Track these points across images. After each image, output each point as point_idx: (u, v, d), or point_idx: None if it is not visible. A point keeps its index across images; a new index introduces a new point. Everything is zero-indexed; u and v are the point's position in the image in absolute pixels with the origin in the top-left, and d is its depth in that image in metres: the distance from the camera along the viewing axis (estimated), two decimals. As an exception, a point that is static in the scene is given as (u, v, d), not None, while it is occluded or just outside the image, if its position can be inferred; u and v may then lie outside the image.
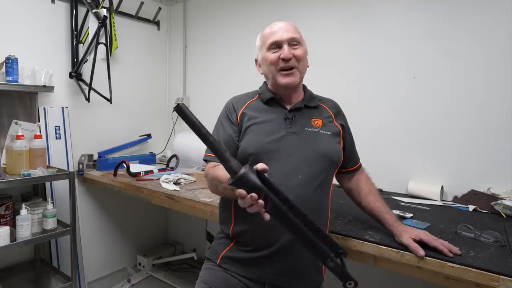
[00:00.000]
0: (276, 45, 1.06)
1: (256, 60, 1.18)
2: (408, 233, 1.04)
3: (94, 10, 2.08)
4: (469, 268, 0.92)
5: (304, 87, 1.19)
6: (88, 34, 2.25)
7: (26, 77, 1.95)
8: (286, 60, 1.04)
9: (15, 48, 1.96)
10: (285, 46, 1.05)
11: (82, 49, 2.27)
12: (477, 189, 1.60)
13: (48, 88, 2.01)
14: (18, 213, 1.73)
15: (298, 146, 1.04)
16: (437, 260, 0.97)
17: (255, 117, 1.09)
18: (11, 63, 1.84)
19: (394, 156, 1.84)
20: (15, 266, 2.10)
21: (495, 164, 1.56)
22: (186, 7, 2.81)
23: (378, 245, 1.07)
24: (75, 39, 2.26)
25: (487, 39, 1.57)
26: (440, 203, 1.59)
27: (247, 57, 2.39)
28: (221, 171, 0.96)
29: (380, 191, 1.83)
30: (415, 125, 1.77)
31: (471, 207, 1.50)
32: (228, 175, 0.77)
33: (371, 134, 1.90)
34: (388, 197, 1.69)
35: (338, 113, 1.18)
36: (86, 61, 2.21)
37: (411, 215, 1.35)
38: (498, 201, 1.44)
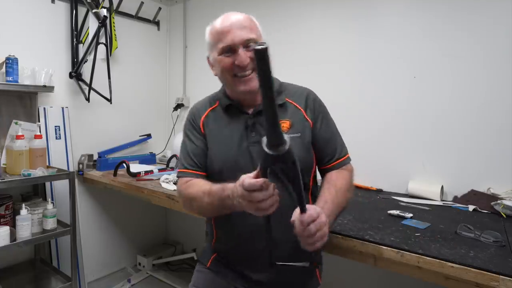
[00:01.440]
0: (230, 49, 0.90)
1: (207, 59, 1.02)
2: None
3: (94, 10, 2.08)
4: (469, 268, 0.92)
5: None
6: (88, 34, 2.25)
7: (26, 77, 1.95)
8: (242, 67, 0.90)
9: (15, 48, 1.96)
10: (240, 51, 0.89)
11: (82, 49, 2.27)
12: (477, 189, 1.60)
13: (48, 88, 2.01)
14: (18, 213, 1.72)
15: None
16: (437, 260, 0.97)
17: (216, 128, 1.00)
18: (11, 63, 1.84)
19: (394, 156, 1.84)
20: (15, 266, 2.10)
21: (495, 164, 1.56)
22: (186, 7, 2.81)
23: (378, 245, 1.07)
24: (75, 39, 2.26)
25: (487, 39, 1.57)
26: (440, 203, 1.59)
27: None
28: (197, 188, 0.91)
29: (380, 191, 1.84)
30: (415, 125, 1.77)
31: (471, 207, 1.50)
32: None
33: (371, 134, 1.90)
34: (388, 197, 1.69)
35: (308, 104, 1.02)
36: (86, 61, 2.21)
37: (411, 215, 1.35)
38: (498, 201, 1.44)
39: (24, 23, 2.06)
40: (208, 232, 1.11)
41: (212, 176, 0.97)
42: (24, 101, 2.05)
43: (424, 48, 1.73)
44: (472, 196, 1.58)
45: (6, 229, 1.65)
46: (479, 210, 1.48)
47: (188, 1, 2.81)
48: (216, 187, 0.85)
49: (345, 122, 1.98)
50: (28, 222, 1.74)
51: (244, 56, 0.89)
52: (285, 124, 0.95)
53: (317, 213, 0.74)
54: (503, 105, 1.54)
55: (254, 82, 0.91)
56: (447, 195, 1.68)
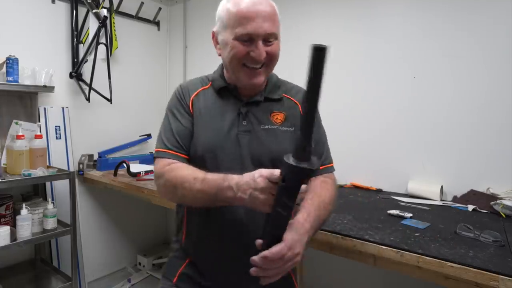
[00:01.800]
0: (248, 37, 0.83)
1: (213, 34, 0.93)
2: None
3: (94, 10, 2.08)
4: (468, 268, 0.92)
5: (269, 75, 0.97)
6: (88, 34, 2.25)
7: (26, 77, 1.95)
8: (258, 61, 0.85)
9: (16, 48, 1.96)
10: (260, 44, 0.83)
11: (82, 49, 2.27)
12: (476, 189, 1.60)
13: (49, 88, 2.01)
14: (19, 213, 1.73)
15: (249, 148, 0.88)
16: (437, 260, 0.97)
17: (205, 109, 0.92)
18: (11, 63, 1.85)
19: (394, 156, 1.84)
20: (16, 266, 2.10)
21: (494, 164, 1.57)
22: (186, 7, 2.82)
23: (378, 245, 1.07)
24: (75, 39, 2.26)
25: (487, 39, 1.57)
26: (440, 203, 1.59)
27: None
28: (186, 172, 0.82)
29: (380, 190, 1.84)
30: (415, 125, 1.78)
31: (470, 207, 1.50)
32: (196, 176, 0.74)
33: (371, 134, 1.91)
34: (387, 197, 1.69)
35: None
36: (86, 61, 2.22)
37: (410, 215, 1.35)
38: (498, 201, 1.44)
39: (24, 23, 2.07)
40: (177, 229, 0.99)
41: (193, 160, 0.89)
42: (24, 101, 2.05)
43: (424, 48, 1.74)
44: (472, 196, 1.58)
45: (6, 229, 1.65)
46: (479, 210, 1.48)
47: (188, 1, 2.81)
48: (212, 175, 0.77)
49: (345, 122, 2.00)
50: (28, 222, 1.74)
51: (262, 50, 0.83)
52: (279, 116, 0.93)
53: (288, 246, 0.68)
54: (503, 105, 1.54)
55: (262, 77, 0.88)
56: (447, 195, 1.69)
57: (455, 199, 1.64)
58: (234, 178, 0.74)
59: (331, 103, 2.02)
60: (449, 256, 0.98)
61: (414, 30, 1.76)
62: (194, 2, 2.78)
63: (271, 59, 0.87)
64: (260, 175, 0.69)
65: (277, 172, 0.66)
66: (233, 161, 0.86)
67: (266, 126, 0.90)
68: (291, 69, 2.17)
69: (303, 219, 0.75)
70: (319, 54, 0.52)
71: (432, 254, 0.99)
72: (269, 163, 0.87)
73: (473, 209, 1.49)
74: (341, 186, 1.93)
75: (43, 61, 2.11)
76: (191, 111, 0.92)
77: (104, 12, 2.09)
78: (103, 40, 2.19)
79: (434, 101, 1.72)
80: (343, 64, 1.99)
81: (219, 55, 0.92)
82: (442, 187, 1.67)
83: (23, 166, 1.79)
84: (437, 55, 1.70)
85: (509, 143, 1.53)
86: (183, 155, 0.89)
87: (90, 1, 2.10)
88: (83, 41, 2.29)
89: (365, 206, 1.52)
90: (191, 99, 0.93)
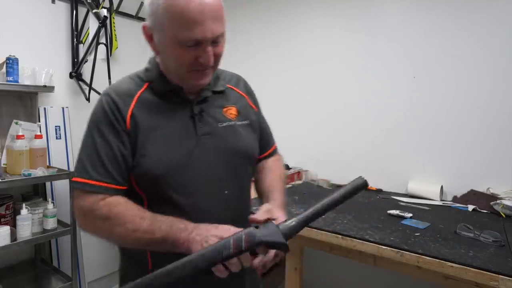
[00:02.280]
0: (195, 42, 0.70)
1: (145, 28, 0.77)
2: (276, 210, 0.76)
3: (94, 10, 2.08)
4: (468, 267, 0.93)
5: None
6: (88, 34, 2.25)
7: (26, 77, 1.95)
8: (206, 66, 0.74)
9: (16, 48, 1.96)
10: (209, 48, 0.71)
11: (82, 49, 2.27)
12: (476, 189, 1.60)
13: (49, 88, 2.01)
14: (19, 213, 1.73)
15: (216, 151, 0.78)
16: (437, 260, 0.97)
17: (150, 118, 0.76)
18: (11, 63, 1.85)
19: (394, 156, 1.84)
20: (16, 265, 2.10)
21: (494, 164, 1.57)
22: (186, 7, 2.81)
23: (378, 245, 1.08)
24: (75, 39, 2.26)
25: (488, 39, 1.58)
26: (440, 203, 1.59)
27: (246, 57, 2.39)
28: (129, 208, 0.70)
29: (380, 191, 1.84)
30: (415, 125, 1.78)
31: (470, 207, 1.50)
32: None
33: (371, 133, 1.91)
34: (387, 197, 1.69)
35: (247, 89, 0.94)
36: (86, 61, 2.22)
37: (410, 215, 1.35)
38: (498, 201, 1.44)
39: (24, 23, 2.07)
40: (133, 260, 0.82)
41: (147, 184, 0.74)
42: (24, 101, 2.05)
43: (424, 48, 1.74)
44: (472, 196, 1.58)
45: (6, 229, 1.65)
46: (479, 210, 1.48)
47: (188, 1, 2.80)
48: (161, 216, 0.69)
49: (345, 122, 2.00)
50: (28, 222, 1.74)
51: (211, 54, 0.72)
52: (232, 111, 0.85)
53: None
54: (503, 105, 1.54)
55: (210, 76, 0.78)
56: (447, 195, 1.69)
57: (455, 199, 1.64)
58: (190, 222, 0.68)
59: (331, 103, 2.02)
60: (449, 256, 0.98)
61: (414, 29, 1.76)
62: (194, 2, 2.77)
63: (218, 59, 0.77)
64: (229, 229, 0.66)
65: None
66: (203, 170, 0.76)
67: (224, 124, 0.82)
68: (291, 69, 2.18)
69: (276, 199, 0.80)
70: (362, 187, 0.66)
71: (432, 254, 0.99)
72: (240, 162, 0.82)
73: (473, 209, 1.49)
74: (341, 186, 1.93)
75: (43, 61, 2.11)
76: (128, 126, 0.74)
77: (104, 12, 2.09)
78: (103, 40, 2.19)
79: (434, 101, 1.72)
80: (343, 64, 2.00)
81: (156, 55, 0.80)
82: (442, 187, 1.67)
83: (23, 166, 1.79)
84: (437, 55, 1.70)
85: (509, 143, 1.53)
86: (117, 187, 0.73)
87: (90, 1, 2.09)
88: (83, 41, 2.29)
89: (365, 206, 1.52)
90: (129, 110, 0.75)
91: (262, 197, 0.87)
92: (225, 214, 0.76)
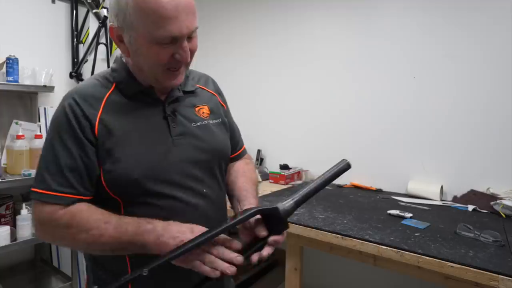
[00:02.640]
0: (171, 40, 0.68)
1: (112, 30, 0.73)
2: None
3: (94, 10, 2.09)
4: (468, 267, 0.93)
5: None
6: (88, 34, 2.25)
7: (26, 77, 1.95)
8: (183, 62, 0.72)
9: (16, 48, 1.96)
10: (185, 44, 0.69)
11: (82, 49, 2.27)
12: (476, 189, 1.60)
13: (49, 88, 2.01)
14: (19, 213, 1.73)
15: (191, 151, 0.77)
16: (437, 260, 0.97)
17: (123, 122, 0.73)
18: (11, 63, 1.85)
19: (394, 156, 1.84)
20: (16, 265, 2.10)
21: (494, 164, 1.57)
22: (186, 7, 2.81)
23: (378, 245, 1.08)
24: (75, 39, 2.26)
25: (488, 39, 1.58)
26: (440, 203, 1.59)
27: (247, 58, 2.39)
28: (92, 215, 0.67)
29: (380, 190, 1.84)
30: (415, 125, 1.78)
31: (470, 207, 1.50)
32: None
33: (371, 133, 1.91)
34: (387, 197, 1.69)
35: (216, 88, 0.93)
36: (86, 61, 2.22)
37: (410, 215, 1.35)
38: (498, 201, 1.44)
39: (24, 23, 2.07)
40: (108, 271, 0.76)
41: (123, 189, 0.71)
42: (24, 101, 2.05)
43: (424, 48, 1.74)
44: (472, 196, 1.58)
45: (6, 229, 1.65)
46: (479, 210, 1.49)
47: (188, 1, 2.80)
48: (127, 219, 0.66)
49: (345, 122, 2.00)
50: (28, 222, 1.74)
51: (188, 50, 0.70)
52: (204, 110, 0.84)
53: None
54: (503, 105, 1.54)
55: (183, 76, 0.77)
56: (447, 195, 1.69)
57: (455, 199, 1.64)
58: (159, 221, 0.65)
59: (331, 103, 2.03)
60: (449, 256, 0.98)
61: (414, 29, 1.76)
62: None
63: (193, 55, 0.74)
64: (200, 229, 0.63)
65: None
66: (180, 171, 0.74)
67: (198, 123, 0.80)
68: (291, 69, 2.18)
69: (252, 204, 0.78)
70: (346, 168, 0.72)
71: (432, 254, 0.99)
72: (216, 161, 0.81)
73: (473, 209, 1.49)
74: (341, 186, 1.93)
75: (43, 61, 2.11)
76: (96, 133, 0.70)
77: (104, 12, 2.09)
78: (103, 40, 2.19)
79: (434, 101, 1.72)
80: (343, 64, 2.00)
81: (127, 56, 0.75)
82: (442, 187, 1.67)
83: (23, 166, 1.79)
84: (437, 55, 1.70)
85: (509, 143, 1.53)
86: (78, 197, 0.70)
87: (90, 1, 2.10)
88: (83, 41, 2.29)
89: (365, 206, 1.52)
90: (98, 116, 0.71)
91: (232, 200, 0.85)
92: (205, 213, 0.76)
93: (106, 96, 0.74)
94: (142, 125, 0.74)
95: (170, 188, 0.72)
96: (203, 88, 0.89)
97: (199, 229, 0.64)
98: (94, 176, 0.70)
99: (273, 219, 0.67)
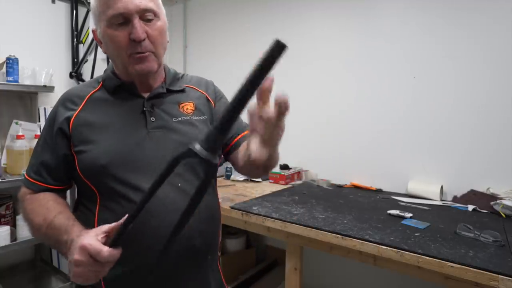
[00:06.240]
0: (122, 18, 0.72)
1: (93, 32, 0.81)
2: None
3: (94, 10, 2.09)
4: (468, 267, 0.93)
5: (165, 67, 0.89)
6: (88, 34, 2.25)
7: (26, 77, 1.95)
8: (138, 42, 0.73)
9: (16, 48, 1.96)
10: (136, 22, 0.72)
11: (82, 49, 2.27)
12: (476, 189, 1.60)
13: (49, 88, 2.01)
14: (19, 213, 1.73)
15: (168, 144, 0.77)
16: (437, 260, 0.97)
17: (101, 116, 0.78)
18: (11, 63, 1.85)
19: (394, 156, 1.84)
20: (16, 265, 2.10)
21: (494, 164, 1.57)
22: (186, 7, 2.81)
23: (378, 245, 1.08)
24: (75, 39, 2.26)
25: (488, 39, 1.58)
26: (440, 203, 1.59)
27: (247, 57, 2.39)
28: (41, 211, 0.74)
29: (380, 190, 1.84)
30: (415, 125, 1.78)
31: (470, 207, 1.50)
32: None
33: (371, 133, 1.91)
34: (387, 197, 1.69)
35: (208, 87, 0.93)
36: (86, 61, 2.22)
37: (410, 214, 1.35)
38: (498, 201, 1.44)
39: (24, 23, 2.07)
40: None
41: (94, 177, 0.75)
42: (24, 101, 2.05)
43: (424, 48, 1.74)
44: (472, 196, 1.58)
45: (6, 229, 1.65)
46: (479, 210, 1.49)
47: (188, 1, 2.81)
48: (59, 221, 0.70)
49: (345, 122, 2.00)
50: (28, 222, 1.74)
51: (141, 29, 0.72)
52: (188, 106, 0.85)
53: None
54: (503, 105, 1.54)
55: (152, 63, 0.76)
56: (447, 195, 1.69)
57: (455, 199, 1.64)
58: (75, 233, 0.64)
59: (331, 103, 2.03)
60: (449, 256, 0.98)
61: (414, 29, 1.76)
62: (194, 2, 2.78)
63: (154, 41, 0.75)
64: (82, 246, 0.58)
65: (105, 250, 0.57)
66: (154, 164, 0.74)
67: (179, 118, 0.81)
68: (291, 69, 2.18)
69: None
70: (278, 48, 0.45)
71: (432, 254, 0.99)
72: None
73: (473, 209, 1.49)
74: (341, 186, 1.94)
75: (43, 61, 2.12)
76: (70, 130, 0.77)
77: (104, 12, 2.10)
78: (103, 40, 2.20)
79: (434, 101, 1.72)
80: (343, 64, 2.00)
81: (105, 53, 0.82)
82: (442, 187, 1.67)
83: (23, 166, 1.79)
84: (437, 55, 1.70)
85: (509, 143, 1.53)
86: (48, 186, 0.79)
87: (90, 1, 2.10)
88: (83, 41, 2.29)
89: (365, 206, 1.52)
90: (76, 112, 0.78)
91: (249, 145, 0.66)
92: (176, 207, 0.72)
93: (89, 94, 0.81)
94: (120, 119, 0.78)
95: (139, 179, 0.73)
96: (193, 88, 0.90)
97: (83, 243, 0.59)
98: (66, 167, 0.79)
99: (201, 164, 0.49)
